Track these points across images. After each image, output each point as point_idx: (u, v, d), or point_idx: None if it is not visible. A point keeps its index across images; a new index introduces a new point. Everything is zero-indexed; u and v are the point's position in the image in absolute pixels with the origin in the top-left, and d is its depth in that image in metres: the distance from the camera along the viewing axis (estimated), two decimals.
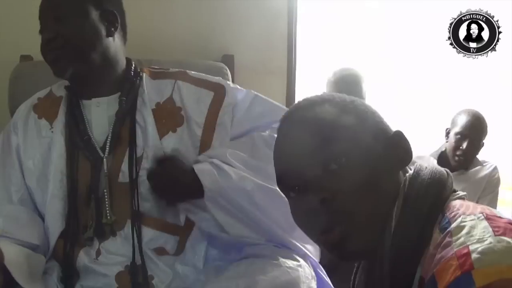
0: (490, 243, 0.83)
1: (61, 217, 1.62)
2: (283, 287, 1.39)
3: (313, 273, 1.51)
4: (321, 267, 1.62)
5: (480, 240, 0.84)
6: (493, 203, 3.12)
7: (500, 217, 0.91)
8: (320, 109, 1.05)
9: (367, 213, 0.98)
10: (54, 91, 1.77)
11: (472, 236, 0.86)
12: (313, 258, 1.62)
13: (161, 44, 2.60)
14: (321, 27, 3.67)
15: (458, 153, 3.10)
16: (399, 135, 1.06)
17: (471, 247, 0.83)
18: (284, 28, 2.79)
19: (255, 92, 1.80)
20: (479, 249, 0.82)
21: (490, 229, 0.86)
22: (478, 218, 0.90)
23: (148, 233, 1.60)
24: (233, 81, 2.42)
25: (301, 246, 1.60)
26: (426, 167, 1.04)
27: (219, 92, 1.74)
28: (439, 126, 3.18)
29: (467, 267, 0.81)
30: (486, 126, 3.10)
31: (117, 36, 1.71)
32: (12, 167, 1.70)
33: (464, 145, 3.06)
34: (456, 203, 0.98)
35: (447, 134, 3.18)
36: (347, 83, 2.92)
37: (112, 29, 1.68)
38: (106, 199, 1.62)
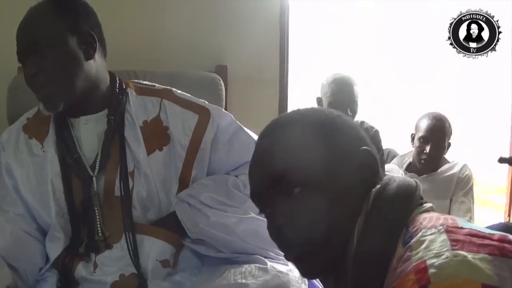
0: (447, 257, 0.85)
1: (65, 233, 1.64)
2: None
3: (303, 278, 1.53)
4: None
5: (437, 255, 0.86)
6: (468, 200, 3.11)
7: (462, 227, 0.93)
8: (289, 133, 1.09)
9: (326, 235, 1.01)
10: (42, 110, 1.77)
11: (430, 250, 0.88)
12: None
13: (155, 55, 2.63)
14: (313, 37, 3.70)
15: (423, 157, 3.09)
16: (366, 154, 1.07)
17: (428, 262, 0.85)
18: (276, 39, 2.83)
19: (239, 124, 1.82)
20: (436, 263, 0.84)
21: (448, 243, 0.88)
22: (439, 231, 0.91)
23: (156, 244, 1.62)
24: (226, 91, 2.46)
25: None
26: (394, 181, 1.06)
27: (204, 115, 1.75)
28: (459, 137, 3.16)
29: (424, 282, 0.83)
30: (448, 127, 3.11)
31: (97, 54, 1.67)
32: (3, 187, 1.71)
33: (427, 148, 3.06)
34: (420, 217, 1.00)
35: (412, 139, 3.19)
36: (340, 84, 2.98)
37: (91, 51, 1.65)
38: (97, 217, 1.64)
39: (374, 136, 2.97)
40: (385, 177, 1.07)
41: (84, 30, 1.63)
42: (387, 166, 3.19)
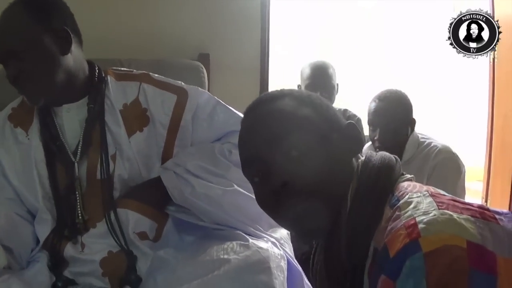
0: (435, 215, 0.93)
1: (52, 216, 1.70)
2: (255, 266, 1.46)
3: (283, 254, 1.59)
4: (290, 252, 1.70)
5: (425, 213, 0.95)
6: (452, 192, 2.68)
7: (444, 194, 1.03)
8: (280, 102, 1.15)
9: (325, 194, 1.08)
10: (26, 100, 1.80)
11: (418, 209, 0.97)
12: (281, 243, 1.71)
13: (139, 44, 2.65)
14: (294, 26, 3.73)
15: (375, 144, 2.68)
16: (351, 126, 1.17)
17: (418, 219, 0.94)
18: (257, 28, 2.87)
19: (217, 99, 1.88)
20: (425, 220, 0.92)
21: (435, 204, 0.97)
22: (424, 195, 1.01)
23: (133, 216, 1.68)
24: (208, 79, 2.50)
25: (269, 236, 1.71)
26: (376, 154, 1.16)
27: (182, 95, 1.82)
28: (439, 126, 3.03)
29: (415, 235, 0.90)
30: (400, 107, 2.66)
31: (73, 46, 1.70)
32: None
33: (376, 134, 2.65)
34: (404, 184, 1.09)
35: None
36: (316, 67, 3.06)
37: (67, 45, 1.67)
38: (78, 201, 1.70)
39: (356, 124, 3.00)
40: (366, 152, 1.18)
41: (58, 27, 1.67)
42: None
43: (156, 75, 1.87)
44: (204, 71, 2.47)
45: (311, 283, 1.37)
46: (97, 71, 1.80)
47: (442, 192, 1.05)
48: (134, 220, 1.68)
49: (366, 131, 3.00)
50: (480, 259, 0.88)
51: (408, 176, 1.13)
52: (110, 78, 1.80)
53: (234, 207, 1.69)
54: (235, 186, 1.70)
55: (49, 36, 1.64)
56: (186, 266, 1.53)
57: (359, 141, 1.16)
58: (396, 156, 1.17)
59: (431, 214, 0.94)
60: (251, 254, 1.50)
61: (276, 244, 1.64)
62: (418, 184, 1.08)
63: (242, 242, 1.56)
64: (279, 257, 1.55)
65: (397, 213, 0.99)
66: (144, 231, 1.69)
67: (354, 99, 3.13)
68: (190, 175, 1.70)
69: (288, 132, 1.10)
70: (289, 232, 1.79)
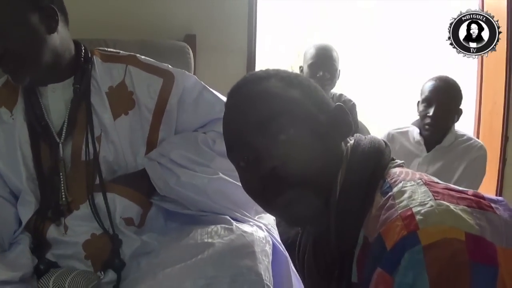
0: (431, 206, 0.90)
1: (36, 197, 1.68)
2: (239, 250, 1.45)
3: (268, 238, 1.58)
4: (277, 237, 1.70)
5: (422, 204, 0.91)
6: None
7: (437, 182, 1.00)
8: (267, 83, 1.11)
9: (314, 179, 1.05)
10: (10, 79, 1.78)
11: (414, 199, 0.93)
12: (268, 229, 1.70)
13: (125, 24, 2.63)
14: (280, 7, 3.71)
15: (426, 121, 2.75)
16: (340, 108, 1.13)
17: (414, 209, 0.90)
18: (245, 9, 2.86)
19: (203, 84, 1.86)
20: (422, 211, 0.89)
21: (430, 194, 0.94)
22: (418, 183, 0.98)
23: (121, 201, 1.67)
24: (194, 60, 2.49)
25: (255, 220, 1.70)
26: (365, 138, 1.13)
27: (168, 79, 1.80)
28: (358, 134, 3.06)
29: (413, 227, 0.87)
30: (457, 90, 2.75)
31: (59, 25, 1.67)
32: None
33: (431, 111, 2.71)
34: (396, 170, 1.06)
35: (418, 106, 2.86)
36: (320, 48, 3.03)
37: (54, 24, 1.66)
38: (62, 182, 1.68)
39: (351, 109, 3.01)
40: (354, 135, 1.14)
41: (45, 5, 1.63)
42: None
43: (143, 57, 1.85)
44: (191, 52, 2.46)
45: (296, 269, 1.35)
46: (83, 51, 1.77)
47: (435, 179, 1.02)
48: (122, 205, 1.67)
49: (360, 119, 3.04)
50: (480, 250, 0.86)
51: (399, 161, 1.11)
52: (96, 59, 1.78)
53: (220, 194, 1.68)
54: (220, 174, 1.69)
55: (35, 14, 1.61)
56: (170, 249, 1.53)
57: (348, 123, 1.12)
58: (385, 141, 1.15)
59: (427, 205, 0.91)
60: (236, 238, 1.49)
61: (261, 227, 1.64)
62: (410, 171, 1.06)
63: (226, 226, 1.56)
64: (264, 241, 1.54)
65: (390, 201, 0.97)
66: (130, 217, 1.68)
67: (354, 99, 3.11)
68: (174, 165, 1.70)
69: (275, 114, 1.06)
70: (275, 218, 1.78)
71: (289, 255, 1.63)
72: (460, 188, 0.98)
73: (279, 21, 3.68)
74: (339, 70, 3.08)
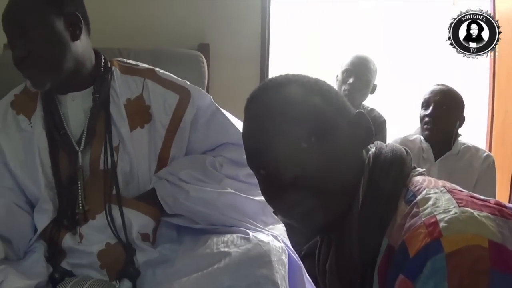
0: (456, 213, 0.89)
1: (54, 205, 1.67)
2: (256, 259, 1.44)
3: (284, 248, 1.57)
4: (290, 246, 1.68)
5: (446, 211, 0.91)
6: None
7: (460, 190, 0.99)
8: (287, 90, 1.08)
9: (336, 188, 1.03)
10: (29, 86, 1.80)
11: (438, 207, 0.92)
12: (283, 238, 1.69)
13: (139, 33, 2.63)
14: (294, 16, 3.71)
15: (425, 120, 2.76)
16: (361, 115, 1.10)
17: (438, 217, 0.89)
18: (257, 18, 2.86)
19: (217, 106, 1.86)
20: (446, 218, 0.88)
21: (454, 201, 0.93)
22: (441, 191, 0.97)
23: (139, 217, 1.67)
24: (208, 69, 2.49)
25: (268, 230, 1.69)
26: (386, 145, 1.11)
27: (185, 96, 1.80)
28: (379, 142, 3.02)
29: (436, 235, 0.86)
30: (455, 95, 2.74)
31: (82, 34, 1.69)
32: None
33: (429, 111, 2.73)
34: (419, 178, 1.05)
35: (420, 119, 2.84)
36: (358, 56, 3.00)
37: (77, 31, 1.66)
38: (80, 191, 1.68)
39: (381, 126, 2.99)
40: (375, 142, 1.12)
41: (70, 12, 1.65)
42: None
43: (161, 71, 1.85)
44: (204, 61, 2.45)
45: (316, 279, 1.33)
46: (103, 61, 1.78)
47: (458, 187, 1.01)
48: (139, 220, 1.67)
49: (388, 136, 3.03)
50: (501, 259, 0.84)
51: (420, 170, 1.09)
52: (115, 70, 1.79)
53: (230, 207, 1.68)
54: (229, 189, 1.69)
55: (60, 20, 1.63)
56: (186, 258, 1.52)
57: (370, 130, 1.09)
58: (407, 148, 1.13)
59: (451, 212, 0.90)
60: (252, 247, 1.48)
61: (277, 237, 1.62)
62: (433, 179, 1.04)
63: (242, 235, 1.55)
64: (280, 250, 1.53)
65: (415, 209, 0.95)
66: (147, 233, 1.68)
67: None
68: (183, 182, 1.70)
69: (295, 122, 1.04)
70: (285, 229, 1.77)
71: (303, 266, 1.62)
72: (482, 197, 0.97)
73: (292, 30, 3.68)
74: (375, 85, 3.04)
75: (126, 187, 1.72)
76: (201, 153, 1.84)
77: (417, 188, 1.01)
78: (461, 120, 2.79)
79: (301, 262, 1.62)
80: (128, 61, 1.88)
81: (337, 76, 3.06)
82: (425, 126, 2.77)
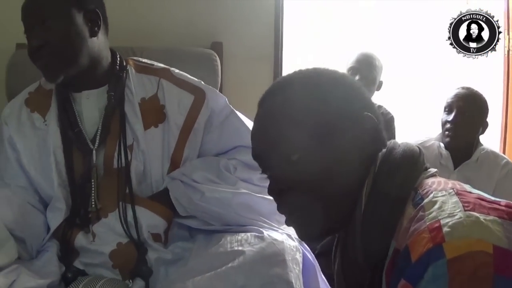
0: (460, 217, 0.86)
1: (66, 204, 1.67)
2: (270, 258, 1.43)
3: (298, 247, 1.56)
4: (305, 245, 1.66)
5: (450, 215, 0.88)
6: None
7: (470, 192, 0.96)
8: (286, 94, 1.07)
9: (336, 193, 1.01)
10: (43, 84, 1.80)
11: (443, 210, 0.90)
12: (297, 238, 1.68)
13: (151, 32, 2.63)
14: (307, 14, 3.70)
15: (446, 127, 2.65)
16: (369, 119, 1.06)
17: (442, 221, 0.86)
18: (271, 16, 2.84)
19: (232, 108, 1.85)
20: (450, 223, 0.85)
21: (460, 204, 0.90)
22: (449, 193, 0.94)
23: (151, 217, 1.67)
24: (221, 68, 2.48)
25: (283, 229, 1.67)
26: (399, 145, 1.07)
27: (199, 97, 1.79)
28: (438, 126, 2.98)
29: (439, 240, 0.84)
30: (480, 100, 2.62)
31: (100, 32, 1.70)
32: (6, 160, 1.74)
33: (451, 117, 2.62)
34: (429, 180, 1.02)
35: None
36: (363, 54, 2.98)
37: (96, 28, 1.68)
38: (93, 189, 1.67)
39: (389, 122, 2.96)
40: (388, 142, 1.08)
41: (90, 8, 1.67)
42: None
43: (176, 71, 1.84)
44: (218, 59, 2.45)
45: (332, 277, 1.32)
46: (118, 59, 1.78)
47: (468, 188, 0.98)
48: (151, 220, 1.66)
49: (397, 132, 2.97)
50: (507, 264, 0.82)
51: (433, 170, 1.06)
52: (130, 69, 1.79)
53: (245, 207, 1.66)
54: (243, 190, 1.68)
55: (80, 14, 1.64)
56: (199, 257, 1.51)
57: (377, 131, 1.07)
58: (420, 147, 1.09)
59: (456, 217, 0.87)
60: (266, 246, 1.47)
61: (291, 236, 1.61)
62: (443, 181, 1.01)
63: (256, 234, 1.54)
64: (294, 249, 1.52)
65: (420, 213, 0.93)
66: (158, 233, 1.67)
67: None
68: (197, 183, 1.69)
69: (288, 133, 1.02)
70: None
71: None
72: (493, 198, 0.94)
73: (306, 27, 3.67)
74: (381, 81, 3.02)
75: (139, 186, 1.71)
76: (215, 154, 1.83)
77: (425, 191, 0.98)
78: (484, 126, 2.70)
79: (315, 261, 1.61)
80: (144, 60, 1.88)
81: None
82: (446, 132, 2.67)
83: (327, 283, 1.58)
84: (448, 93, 2.71)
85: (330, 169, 1.01)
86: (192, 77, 1.85)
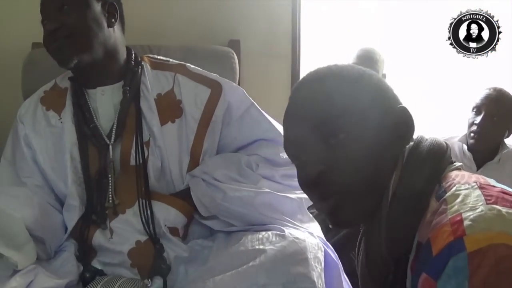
0: (482, 211, 0.86)
1: (81, 201, 1.67)
2: (291, 257, 1.41)
3: (320, 245, 1.53)
4: (328, 244, 1.63)
5: (472, 208, 0.88)
6: None
7: (493, 186, 0.96)
8: (325, 83, 1.08)
9: (362, 185, 1.01)
10: (58, 83, 1.81)
11: (465, 204, 0.90)
12: (319, 236, 1.65)
13: (168, 29, 2.62)
14: (324, 11, 3.69)
15: (472, 129, 2.60)
16: (403, 112, 1.08)
17: (464, 215, 0.87)
18: (288, 13, 2.82)
19: (251, 100, 1.84)
20: (471, 216, 0.86)
21: (483, 198, 0.90)
22: (472, 187, 0.94)
23: (169, 211, 1.66)
24: (239, 65, 2.46)
25: (305, 228, 1.65)
26: (426, 139, 1.08)
27: (216, 90, 1.79)
28: (439, 127, 2.91)
29: (460, 233, 0.84)
30: (509, 103, 2.58)
31: (117, 27, 1.73)
32: (23, 159, 1.74)
33: (478, 119, 2.58)
34: (453, 173, 1.02)
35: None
36: (365, 50, 2.97)
37: (113, 20, 1.70)
38: (110, 184, 1.68)
39: None
40: (416, 136, 1.09)
41: (108, 0, 1.68)
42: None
43: (192, 66, 1.84)
44: (235, 57, 2.43)
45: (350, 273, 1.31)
46: (133, 56, 1.78)
47: (492, 182, 0.98)
48: (169, 215, 1.66)
49: None
50: None
51: (457, 164, 1.06)
52: (145, 65, 1.79)
53: (267, 206, 1.64)
54: (266, 189, 1.66)
55: (98, 4, 1.67)
56: (219, 256, 1.50)
57: (410, 128, 1.07)
58: (447, 142, 1.09)
59: (478, 210, 0.87)
60: (288, 245, 1.44)
61: (313, 234, 1.59)
62: (467, 174, 1.01)
63: (278, 232, 1.51)
64: (316, 247, 1.49)
65: (443, 206, 0.93)
66: (176, 227, 1.66)
67: None
68: (218, 182, 1.68)
69: (328, 117, 1.03)
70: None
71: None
72: None
73: (324, 25, 3.65)
74: (384, 74, 3.01)
75: (159, 183, 1.71)
76: (235, 149, 1.81)
77: (448, 184, 0.98)
78: (510, 129, 2.66)
79: (338, 260, 1.58)
80: (159, 57, 1.88)
81: None
82: (472, 134, 2.62)
83: (350, 285, 1.56)
84: (478, 93, 2.66)
85: (359, 160, 1.01)
86: (207, 72, 1.84)
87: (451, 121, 3.10)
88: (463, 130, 2.73)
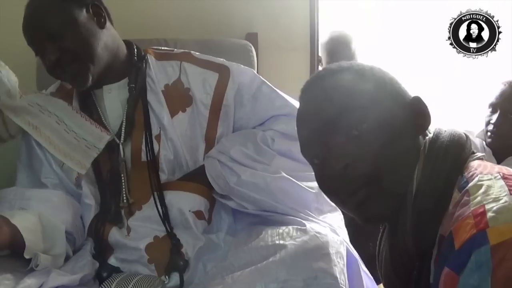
0: (506, 202, 0.84)
1: (95, 200, 1.66)
2: (313, 252, 1.37)
3: (342, 240, 1.50)
4: (346, 238, 1.61)
5: (496, 199, 0.85)
6: None
7: None
8: (339, 77, 1.08)
9: (389, 176, 1.00)
10: (64, 84, 1.79)
11: (488, 195, 0.87)
12: (336, 229, 1.62)
13: (185, 23, 2.60)
14: (342, 4, 3.67)
15: (489, 128, 2.58)
16: (418, 100, 1.08)
17: (487, 206, 0.84)
18: (306, 5, 2.80)
19: (261, 78, 1.82)
20: (495, 208, 0.84)
21: (506, 188, 0.87)
22: (495, 177, 0.92)
23: (188, 196, 1.65)
24: (257, 59, 2.45)
25: (321, 220, 1.62)
26: (445, 131, 1.07)
27: (224, 73, 1.76)
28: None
29: (483, 226, 0.82)
30: None
31: (107, 24, 1.68)
32: (37, 160, 1.73)
33: (494, 117, 2.55)
34: (474, 163, 1.00)
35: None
36: (336, 43, 2.98)
37: (102, 20, 1.65)
38: (123, 184, 1.66)
39: None
40: (434, 128, 1.08)
41: (89, 2, 1.64)
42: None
43: (197, 53, 1.81)
44: (253, 50, 2.42)
45: (376, 270, 1.28)
46: (135, 49, 1.76)
47: None
48: (189, 200, 1.64)
49: None
50: None
51: (479, 154, 1.05)
52: (150, 58, 1.76)
53: (282, 193, 1.61)
54: (283, 173, 1.62)
55: (82, 11, 1.61)
56: (239, 252, 1.46)
57: (426, 116, 1.07)
58: (466, 133, 1.08)
59: (501, 201, 0.84)
60: (309, 239, 1.40)
61: (334, 230, 1.56)
62: (489, 164, 0.99)
63: (299, 227, 1.47)
64: (338, 242, 1.45)
65: (465, 198, 0.91)
66: (200, 210, 1.64)
67: None
68: (235, 163, 1.65)
69: (347, 110, 1.03)
70: (342, 218, 1.70)
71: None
72: None
73: (341, 18, 3.64)
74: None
75: (173, 176, 1.69)
76: (250, 128, 1.79)
77: (470, 174, 0.96)
78: None
79: (357, 254, 1.55)
80: (163, 48, 1.86)
81: (319, 59, 3.00)
82: (488, 133, 2.59)
83: (370, 276, 1.53)
84: (496, 88, 2.62)
85: (384, 150, 1.00)
86: (213, 57, 1.81)
87: (452, 121, 3.06)
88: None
